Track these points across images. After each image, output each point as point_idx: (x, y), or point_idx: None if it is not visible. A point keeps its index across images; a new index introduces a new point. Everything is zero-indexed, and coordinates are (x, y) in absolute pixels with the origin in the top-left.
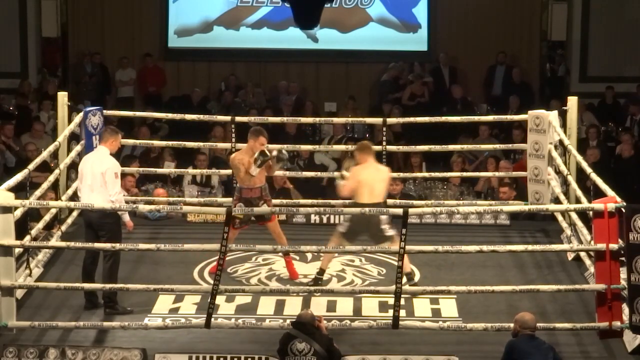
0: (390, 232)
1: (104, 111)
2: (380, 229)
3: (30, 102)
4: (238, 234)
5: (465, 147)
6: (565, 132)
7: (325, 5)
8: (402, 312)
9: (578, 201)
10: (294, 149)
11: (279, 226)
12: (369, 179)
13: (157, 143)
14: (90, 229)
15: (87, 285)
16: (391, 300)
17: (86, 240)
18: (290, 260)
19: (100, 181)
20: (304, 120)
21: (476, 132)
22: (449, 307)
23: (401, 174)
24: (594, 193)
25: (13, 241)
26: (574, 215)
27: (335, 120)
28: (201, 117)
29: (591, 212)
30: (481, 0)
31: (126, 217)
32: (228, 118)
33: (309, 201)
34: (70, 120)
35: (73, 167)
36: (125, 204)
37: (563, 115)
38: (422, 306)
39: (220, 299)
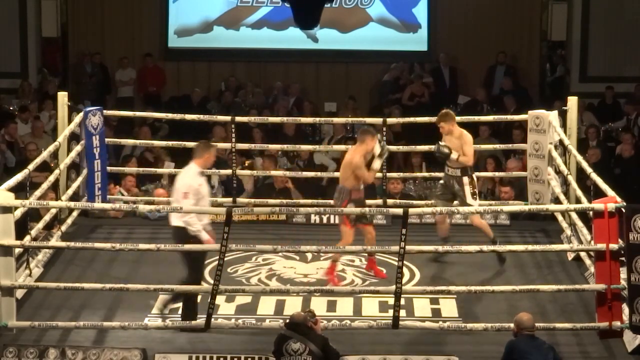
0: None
1: (104, 111)
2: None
3: (31, 102)
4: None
5: None
6: (565, 132)
7: (325, 5)
8: (402, 312)
9: (578, 201)
10: (293, 149)
11: (374, 231)
12: None
13: (157, 143)
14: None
15: (86, 285)
16: (391, 300)
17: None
18: (374, 260)
19: (176, 198)
20: (304, 120)
21: (476, 132)
22: (449, 307)
23: (401, 174)
24: (594, 193)
25: (13, 241)
26: (574, 215)
27: (335, 120)
28: (201, 117)
29: (591, 212)
30: (481, 0)
31: (203, 236)
32: (228, 118)
33: (309, 201)
34: (70, 120)
35: (73, 167)
36: (197, 226)
37: (563, 115)
38: (422, 306)
39: (220, 299)
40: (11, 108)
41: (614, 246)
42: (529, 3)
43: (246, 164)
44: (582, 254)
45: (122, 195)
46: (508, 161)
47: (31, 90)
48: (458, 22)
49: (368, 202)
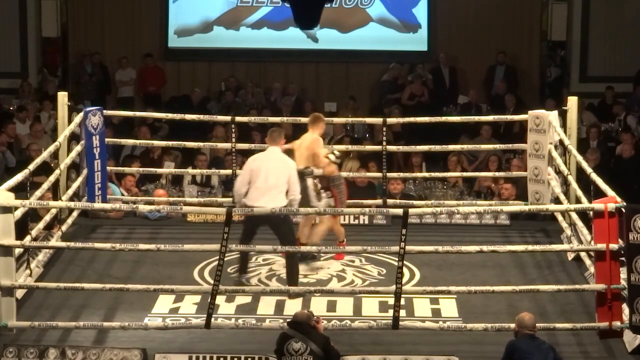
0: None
1: (104, 111)
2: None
3: (31, 102)
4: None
5: (466, 147)
6: (565, 132)
7: (325, 5)
8: (402, 312)
9: (578, 201)
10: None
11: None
12: None
13: (157, 143)
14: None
15: (86, 285)
16: (391, 300)
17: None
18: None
19: (284, 181)
20: (304, 120)
21: (477, 132)
22: (449, 307)
23: (401, 174)
24: (594, 193)
25: (13, 241)
26: (574, 215)
27: (336, 120)
28: (201, 117)
29: (591, 212)
30: (481, 0)
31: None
32: (228, 118)
33: None
34: (70, 120)
35: (73, 167)
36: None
37: (563, 115)
38: (422, 306)
39: (220, 299)
40: (11, 108)
41: (614, 246)
42: (529, 3)
43: None
44: (582, 254)
45: (122, 195)
46: (513, 160)
47: (31, 90)
48: (458, 22)
49: (368, 202)
